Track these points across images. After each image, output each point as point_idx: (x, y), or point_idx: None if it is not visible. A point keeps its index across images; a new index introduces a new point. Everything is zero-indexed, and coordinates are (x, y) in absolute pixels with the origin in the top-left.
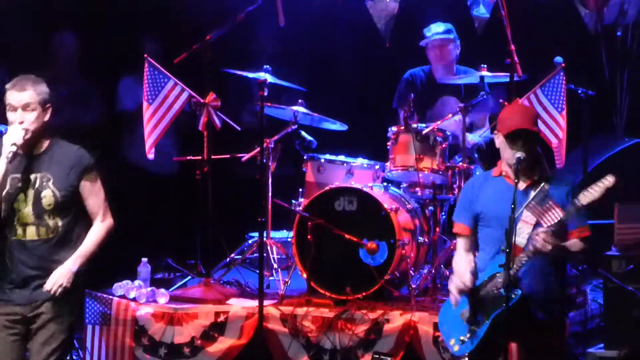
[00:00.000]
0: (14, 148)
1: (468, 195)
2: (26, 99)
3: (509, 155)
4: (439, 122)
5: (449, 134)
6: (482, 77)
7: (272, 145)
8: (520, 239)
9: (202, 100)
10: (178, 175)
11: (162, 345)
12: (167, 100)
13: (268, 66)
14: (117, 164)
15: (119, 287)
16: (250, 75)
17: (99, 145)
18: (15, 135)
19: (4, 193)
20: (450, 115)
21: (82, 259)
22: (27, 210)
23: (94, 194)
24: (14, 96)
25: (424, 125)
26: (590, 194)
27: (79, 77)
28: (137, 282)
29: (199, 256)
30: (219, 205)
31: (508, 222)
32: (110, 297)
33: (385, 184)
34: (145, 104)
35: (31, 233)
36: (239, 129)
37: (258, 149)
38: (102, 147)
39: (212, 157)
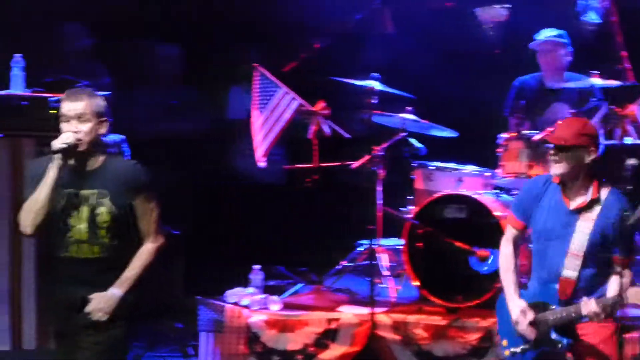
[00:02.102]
0: (64, 145)
1: (527, 195)
2: (80, 109)
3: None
4: (550, 129)
5: None
6: (593, 84)
7: (381, 153)
8: (570, 272)
9: (311, 109)
10: (288, 183)
11: (275, 353)
12: (277, 109)
13: (376, 74)
14: (229, 173)
15: (232, 295)
16: (359, 83)
17: (209, 154)
18: (63, 136)
19: (57, 207)
20: (561, 122)
21: (128, 282)
22: (82, 226)
23: (147, 213)
24: (68, 106)
25: (535, 132)
26: (636, 298)
27: (190, 87)
28: (249, 290)
29: (310, 264)
30: (329, 213)
31: (554, 242)
32: (223, 304)
33: (495, 191)
34: (255, 112)
35: (84, 251)
36: (349, 136)
37: (367, 157)
38: (213, 156)
39: (322, 165)
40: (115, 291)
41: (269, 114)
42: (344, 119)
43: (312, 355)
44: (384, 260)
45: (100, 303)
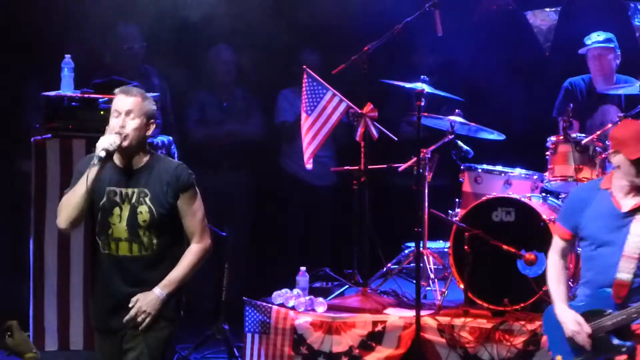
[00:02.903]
0: (104, 153)
1: (575, 202)
2: (130, 105)
3: (627, 174)
4: (598, 132)
5: (608, 143)
6: None
7: (429, 156)
8: (625, 274)
9: (359, 111)
10: (336, 185)
11: (321, 355)
12: (325, 111)
13: (425, 76)
14: (276, 174)
15: (278, 296)
16: (408, 85)
17: (259, 156)
18: (108, 140)
19: (100, 204)
20: (610, 125)
21: (172, 285)
22: (121, 225)
23: (190, 213)
24: (120, 100)
25: (583, 135)
26: None
27: (240, 89)
28: (295, 291)
29: (356, 266)
30: (376, 215)
31: (607, 247)
32: (270, 305)
33: (543, 194)
34: (304, 115)
35: (124, 249)
36: (396, 139)
37: (415, 159)
38: (262, 158)
39: (369, 167)
40: (159, 292)
41: (317, 116)
42: (392, 121)
43: (357, 357)
44: (430, 262)
45: (144, 305)
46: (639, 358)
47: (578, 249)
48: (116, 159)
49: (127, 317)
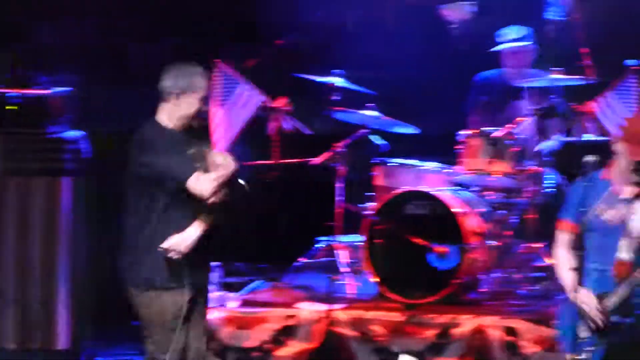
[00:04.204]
0: None
1: (578, 196)
2: None
3: (625, 167)
4: (510, 126)
5: (520, 137)
6: (554, 81)
7: (342, 150)
8: (625, 254)
9: (272, 105)
10: (248, 179)
11: (232, 350)
12: (238, 105)
13: (339, 70)
14: None
15: None
16: (321, 79)
17: None
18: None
19: None
20: (522, 119)
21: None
22: None
23: None
24: None
25: (495, 128)
26: None
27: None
28: None
29: (269, 260)
30: (289, 210)
31: (612, 233)
32: None
33: (455, 187)
34: (215, 108)
35: None
36: (310, 133)
37: (328, 154)
38: None
39: (283, 161)
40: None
41: (230, 110)
42: (305, 115)
43: (268, 351)
44: (342, 256)
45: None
46: None
47: (490, 241)
48: None
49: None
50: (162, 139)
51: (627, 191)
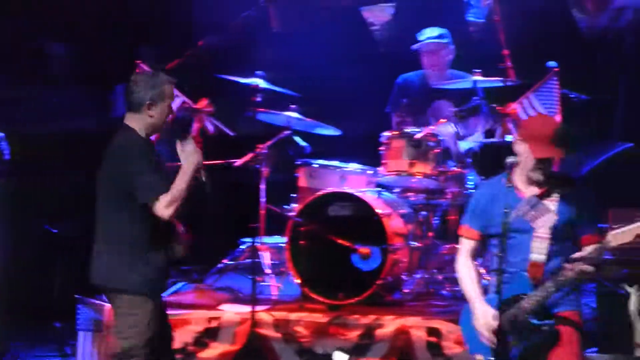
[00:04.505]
0: None
1: (480, 202)
2: None
3: (527, 167)
4: (432, 127)
5: (441, 139)
6: (475, 82)
7: (265, 151)
8: (537, 255)
9: (195, 106)
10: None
11: None
12: None
13: (261, 72)
14: None
15: None
16: (243, 80)
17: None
18: None
19: None
20: (443, 120)
21: None
22: None
23: None
24: None
25: (417, 130)
26: (621, 237)
27: (74, 85)
28: None
29: (191, 262)
30: (212, 211)
31: (520, 235)
32: (103, 303)
33: (378, 189)
34: None
35: None
36: (232, 134)
37: (251, 155)
38: (98, 155)
39: (205, 162)
40: None
41: None
42: (228, 116)
43: (191, 354)
44: (266, 258)
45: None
46: (564, 341)
47: (412, 242)
48: None
49: None
50: (137, 148)
51: (531, 191)
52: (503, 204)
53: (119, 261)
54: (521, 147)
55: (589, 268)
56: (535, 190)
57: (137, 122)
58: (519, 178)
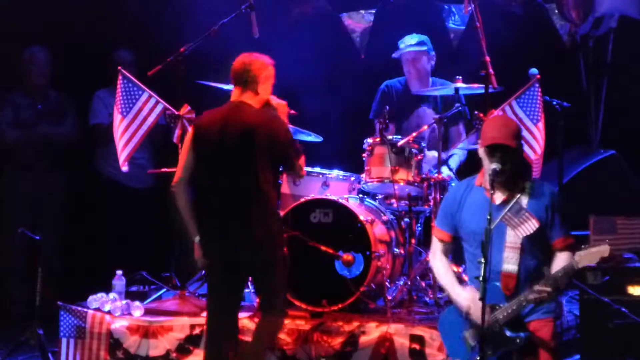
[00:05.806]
0: None
1: (450, 203)
2: None
3: (487, 166)
4: (414, 134)
5: (424, 145)
6: (457, 89)
7: None
8: (510, 265)
9: (176, 113)
10: (153, 187)
11: (138, 359)
12: (141, 113)
13: None
14: (91, 177)
15: (94, 300)
16: (225, 87)
17: (74, 158)
18: None
19: None
20: (425, 127)
21: None
22: None
23: None
24: None
25: (399, 137)
26: (586, 259)
27: (54, 91)
28: (112, 295)
29: (174, 269)
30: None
31: (491, 238)
32: (85, 310)
33: (360, 195)
34: (118, 116)
35: None
36: None
37: None
38: (77, 161)
39: None
40: None
41: (133, 118)
42: None
43: None
44: None
45: None
46: (538, 350)
47: (395, 249)
48: None
49: None
50: None
51: (498, 197)
52: (472, 206)
53: None
54: (480, 152)
55: (555, 292)
56: (502, 195)
57: None
58: (485, 182)
